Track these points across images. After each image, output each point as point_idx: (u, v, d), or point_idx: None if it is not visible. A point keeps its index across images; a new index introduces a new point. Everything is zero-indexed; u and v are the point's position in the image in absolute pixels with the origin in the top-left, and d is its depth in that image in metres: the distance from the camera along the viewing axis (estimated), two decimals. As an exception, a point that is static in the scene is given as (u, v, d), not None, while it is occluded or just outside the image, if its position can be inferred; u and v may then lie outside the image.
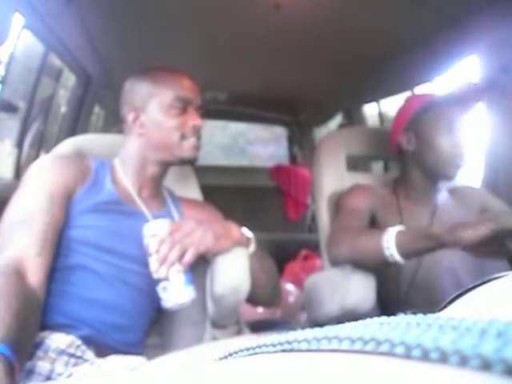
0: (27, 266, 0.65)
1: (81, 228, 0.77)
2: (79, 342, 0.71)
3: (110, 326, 0.76)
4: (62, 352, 0.68)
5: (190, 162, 0.89)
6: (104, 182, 0.84)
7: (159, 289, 0.74)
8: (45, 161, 0.81)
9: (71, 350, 0.69)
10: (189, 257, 0.73)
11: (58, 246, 0.74)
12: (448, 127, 1.00)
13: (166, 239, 0.72)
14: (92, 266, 0.76)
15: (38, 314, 0.65)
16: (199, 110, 0.89)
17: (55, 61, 1.72)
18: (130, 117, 0.87)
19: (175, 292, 0.73)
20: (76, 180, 0.80)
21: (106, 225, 0.79)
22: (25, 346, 0.57)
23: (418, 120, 1.04)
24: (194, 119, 0.86)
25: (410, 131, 1.06)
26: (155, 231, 0.74)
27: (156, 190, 0.91)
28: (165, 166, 0.89)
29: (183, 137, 0.85)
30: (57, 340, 0.68)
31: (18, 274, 0.63)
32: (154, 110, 0.85)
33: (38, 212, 0.71)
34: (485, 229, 0.71)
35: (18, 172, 1.58)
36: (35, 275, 0.65)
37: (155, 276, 0.73)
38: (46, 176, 0.77)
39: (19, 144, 1.59)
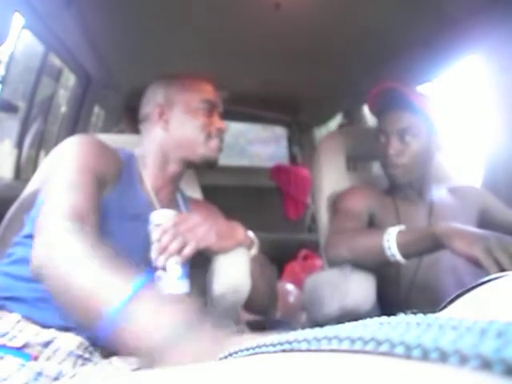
0: (86, 222, 0.63)
1: (105, 234, 0.74)
2: (87, 344, 0.70)
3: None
4: (70, 353, 0.67)
5: (211, 164, 0.89)
6: (133, 180, 0.83)
7: (155, 277, 0.74)
8: (86, 141, 0.77)
9: (79, 352, 0.69)
10: (188, 250, 0.73)
11: None
12: (382, 135, 1.02)
13: (169, 230, 0.73)
14: None
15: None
16: (222, 117, 0.92)
17: (55, 61, 1.72)
18: (155, 112, 0.88)
19: (170, 282, 0.74)
20: (112, 175, 0.78)
21: (129, 232, 0.78)
22: None
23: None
24: (219, 123, 0.90)
25: None
26: (161, 221, 0.75)
27: (173, 193, 0.91)
28: (185, 165, 0.89)
29: (209, 136, 0.87)
30: (66, 340, 0.68)
31: (84, 230, 0.61)
32: (181, 110, 0.87)
33: (85, 184, 0.69)
34: (476, 251, 0.71)
35: (18, 172, 1.58)
36: (93, 232, 0.64)
37: (153, 264, 0.74)
38: (91, 157, 0.74)
39: (19, 144, 1.59)
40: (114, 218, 0.77)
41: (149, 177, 0.86)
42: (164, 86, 0.90)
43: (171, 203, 0.90)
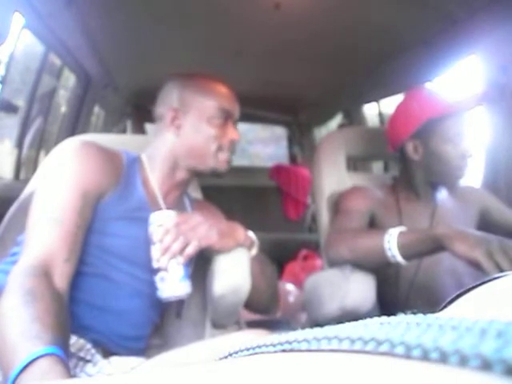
0: (55, 271, 0.63)
1: (108, 236, 0.75)
2: (89, 346, 0.70)
3: (119, 335, 0.76)
4: (71, 355, 0.66)
5: (219, 176, 0.87)
6: (135, 183, 0.82)
7: (157, 278, 0.74)
8: (79, 148, 0.76)
9: (81, 354, 0.68)
10: (191, 250, 0.73)
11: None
12: (459, 138, 0.97)
13: (171, 230, 0.73)
14: (109, 274, 0.75)
15: (69, 317, 0.62)
16: (236, 124, 0.89)
17: (55, 61, 1.72)
18: (168, 115, 0.85)
19: (172, 283, 0.74)
20: (110, 180, 0.77)
21: (132, 234, 0.78)
22: (67, 347, 0.56)
23: (430, 130, 0.98)
24: (232, 133, 0.86)
25: (417, 139, 1.01)
26: (162, 221, 0.74)
27: (180, 197, 0.90)
28: (194, 173, 0.87)
29: (220, 148, 0.84)
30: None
31: (47, 277, 0.61)
32: (196, 116, 0.84)
33: (71, 212, 0.68)
34: (477, 254, 0.71)
35: (18, 172, 1.58)
36: (61, 281, 0.63)
37: (155, 265, 0.74)
38: (81, 168, 0.73)
39: (19, 144, 1.59)
40: (114, 220, 0.76)
41: (156, 180, 0.85)
42: (180, 87, 0.86)
43: (178, 206, 0.89)
